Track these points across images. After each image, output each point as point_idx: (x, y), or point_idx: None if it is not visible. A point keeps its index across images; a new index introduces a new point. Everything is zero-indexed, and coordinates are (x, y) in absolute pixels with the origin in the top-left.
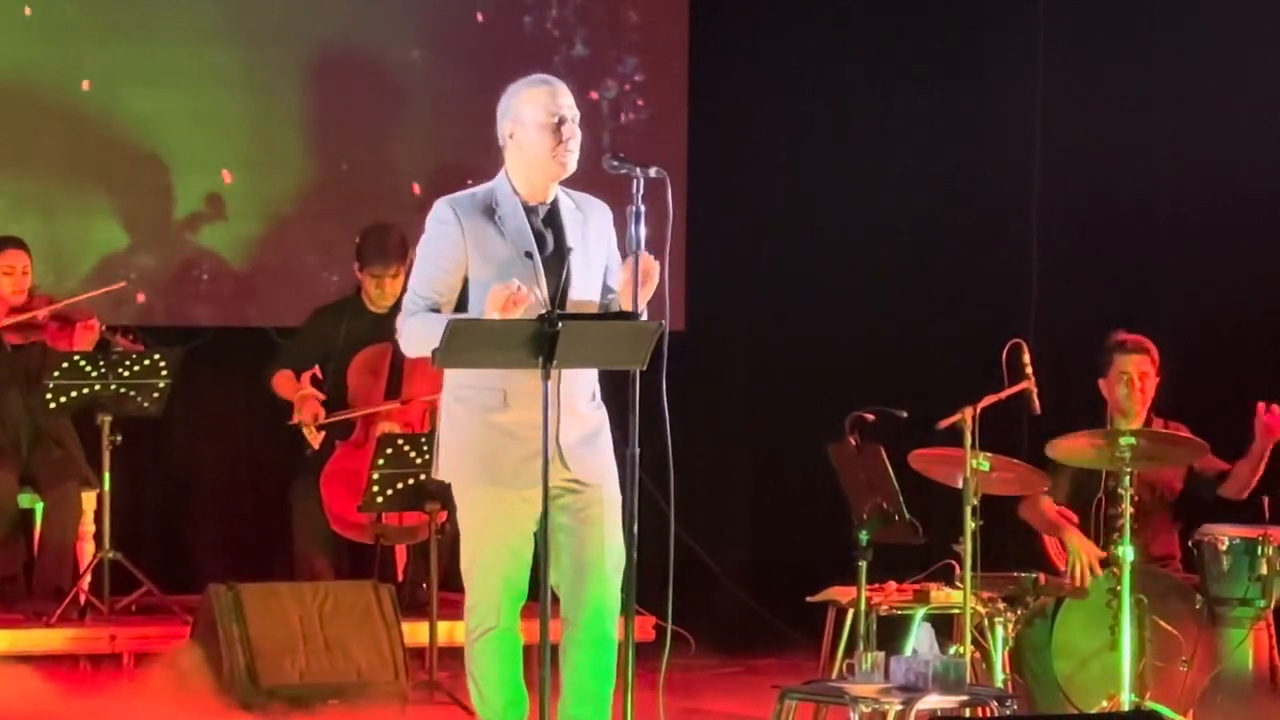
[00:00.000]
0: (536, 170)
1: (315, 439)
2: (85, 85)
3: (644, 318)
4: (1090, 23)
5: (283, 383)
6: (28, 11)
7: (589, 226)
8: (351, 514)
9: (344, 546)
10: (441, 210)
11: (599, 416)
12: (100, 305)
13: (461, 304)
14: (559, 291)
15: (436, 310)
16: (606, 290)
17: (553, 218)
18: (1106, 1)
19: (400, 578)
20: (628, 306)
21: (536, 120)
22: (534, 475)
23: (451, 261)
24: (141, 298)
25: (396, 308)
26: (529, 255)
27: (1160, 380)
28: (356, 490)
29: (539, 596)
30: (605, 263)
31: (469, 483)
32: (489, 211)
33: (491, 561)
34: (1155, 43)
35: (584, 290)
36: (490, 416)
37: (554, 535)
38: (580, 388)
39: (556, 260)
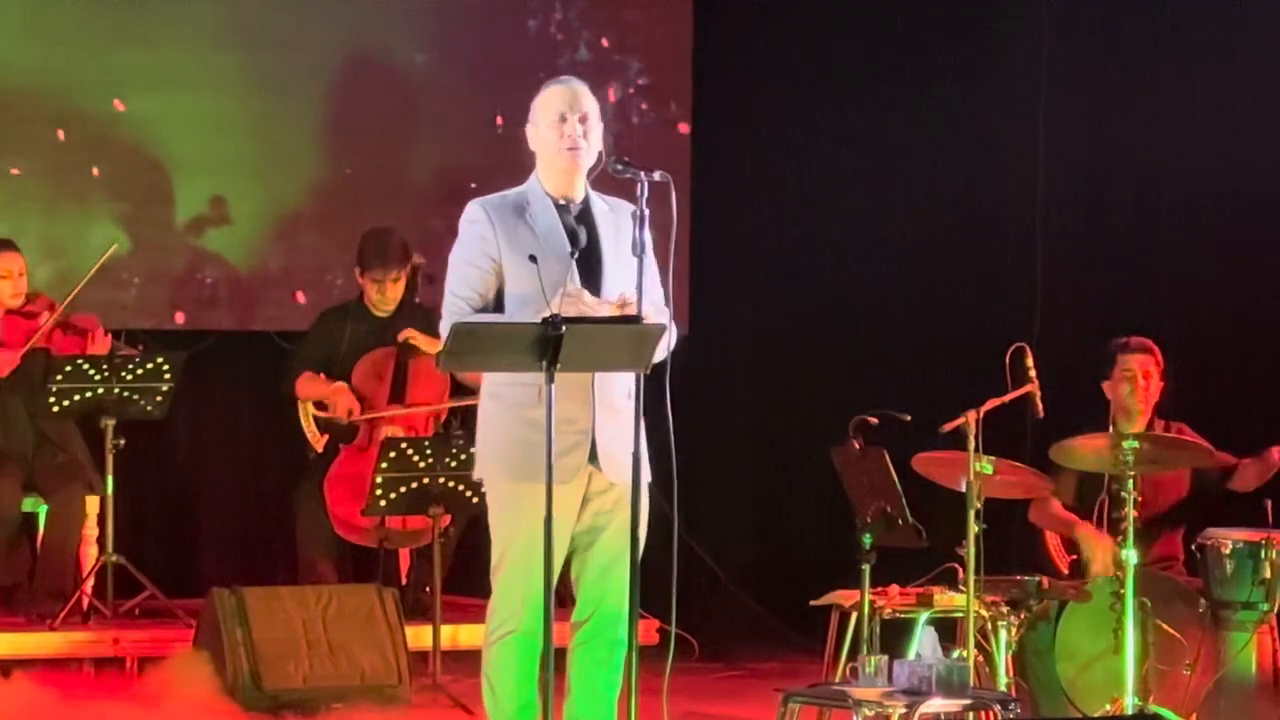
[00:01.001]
0: (549, 166)
1: (318, 442)
2: (119, 105)
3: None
4: (1094, 29)
5: (308, 384)
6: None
7: (622, 229)
8: (355, 518)
9: (347, 550)
10: (473, 210)
11: (637, 413)
12: (103, 309)
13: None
14: (593, 288)
15: (479, 312)
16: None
17: (585, 216)
18: (1111, 9)
19: (404, 581)
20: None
21: (546, 119)
22: (569, 470)
23: (487, 259)
24: (184, 317)
25: (400, 311)
26: (532, 259)
27: (1164, 385)
28: (360, 494)
29: (563, 602)
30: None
31: (500, 477)
32: (520, 210)
33: (520, 558)
34: (1159, 47)
35: (616, 289)
36: (524, 412)
37: (578, 536)
38: (618, 383)
39: (589, 257)
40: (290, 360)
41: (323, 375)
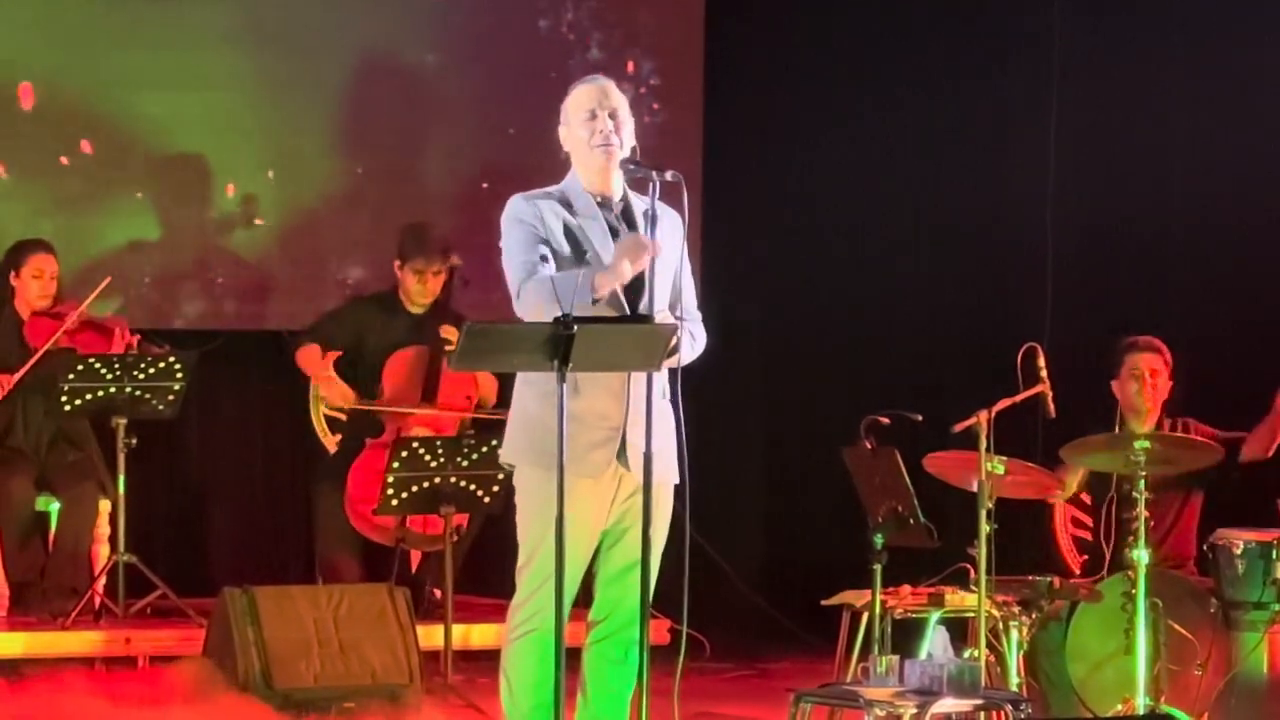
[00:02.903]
0: (585, 165)
1: (330, 442)
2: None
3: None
4: (1106, 29)
5: (308, 357)
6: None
7: (661, 229)
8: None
9: (364, 547)
10: (516, 203)
11: (669, 414)
12: (115, 306)
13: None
14: (634, 285)
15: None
16: (676, 293)
17: (626, 215)
18: (1123, 10)
19: (413, 578)
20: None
21: (577, 117)
22: (597, 465)
23: (544, 227)
24: (195, 315)
25: (434, 309)
26: (585, 254)
27: (1173, 384)
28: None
29: (585, 600)
30: (676, 266)
31: (528, 463)
32: (565, 205)
33: (550, 557)
34: (1171, 48)
35: (657, 288)
36: (556, 401)
37: (605, 535)
38: (655, 379)
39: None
40: (308, 330)
41: (331, 356)
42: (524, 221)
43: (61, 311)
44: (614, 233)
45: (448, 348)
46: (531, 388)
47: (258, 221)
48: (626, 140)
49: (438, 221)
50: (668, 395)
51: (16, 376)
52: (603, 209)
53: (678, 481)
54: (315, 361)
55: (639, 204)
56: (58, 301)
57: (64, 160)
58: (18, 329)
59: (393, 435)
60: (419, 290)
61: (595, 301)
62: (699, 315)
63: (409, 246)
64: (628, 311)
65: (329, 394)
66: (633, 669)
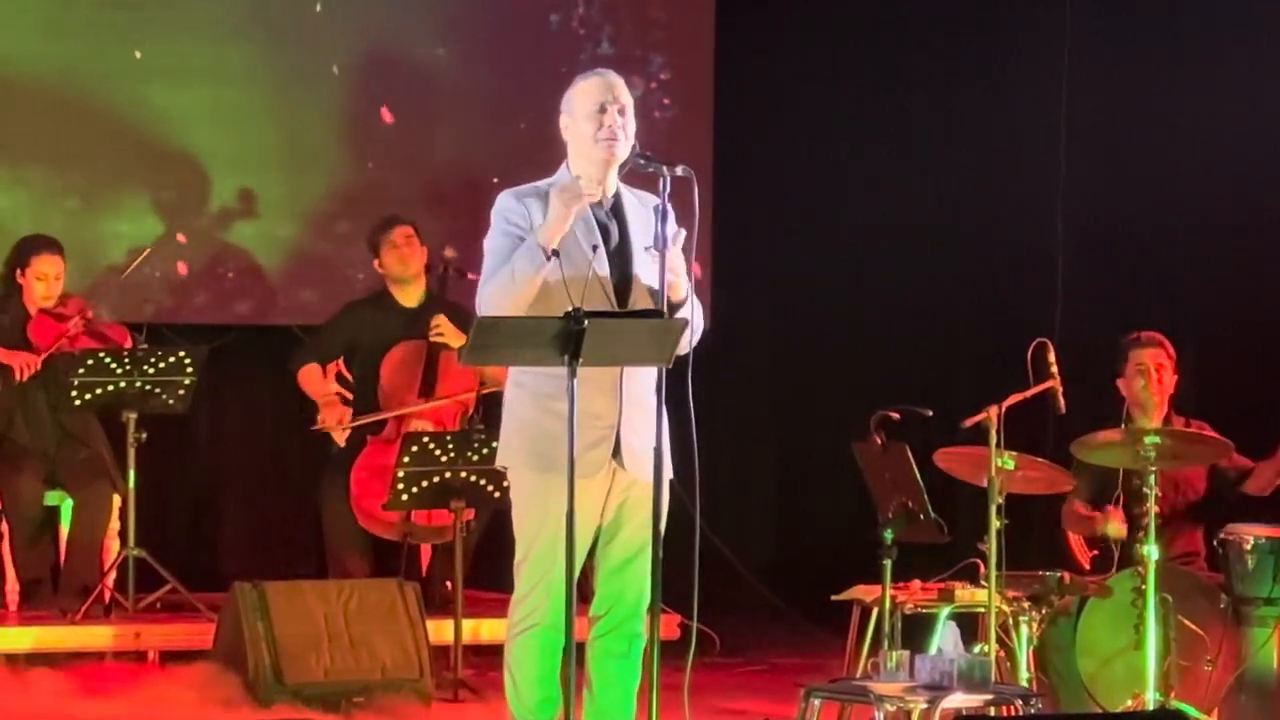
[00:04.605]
0: (586, 158)
1: (341, 436)
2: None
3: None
4: (1118, 24)
5: (310, 378)
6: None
7: (651, 223)
8: (380, 510)
9: (372, 543)
10: (505, 200)
11: (663, 410)
12: (125, 302)
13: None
14: (624, 282)
15: None
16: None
17: (616, 210)
18: (1131, 10)
19: (424, 574)
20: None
21: (584, 110)
22: (592, 464)
23: (530, 227)
24: (206, 310)
25: (426, 302)
26: (595, 248)
27: (1179, 379)
28: (387, 486)
29: (584, 595)
30: (668, 260)
31: (524, 467)
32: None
33: (545, 553)
34: (1182, 44)
35: (647, 282)
36: (549, 403)
37: (601, 531)
38: (644, 378)
39: (621, 252)
40: (305, 344)
41: (333, 369)
42: (509, 222)
43: (65, 313)
44: (603, 229)
45: (435, 337)
46: (524, 390)
47: (267, 216)
48: (630, 137)
49: (445, 215)
50: (657, 392)
51: (41, 358)
52: (593, 205)
53: (671, 477)
54: (318, 382)
55: (630, 198)
56: (63, 300)
57: (71, 154)
58: (22, 325)
59: (394, 431)
60: (401, 266)
61: (549, 257)
62: (698, 306)
63: (374, 235)
64: (615, 307)
65: (326, 416)
66: (636, 663)
